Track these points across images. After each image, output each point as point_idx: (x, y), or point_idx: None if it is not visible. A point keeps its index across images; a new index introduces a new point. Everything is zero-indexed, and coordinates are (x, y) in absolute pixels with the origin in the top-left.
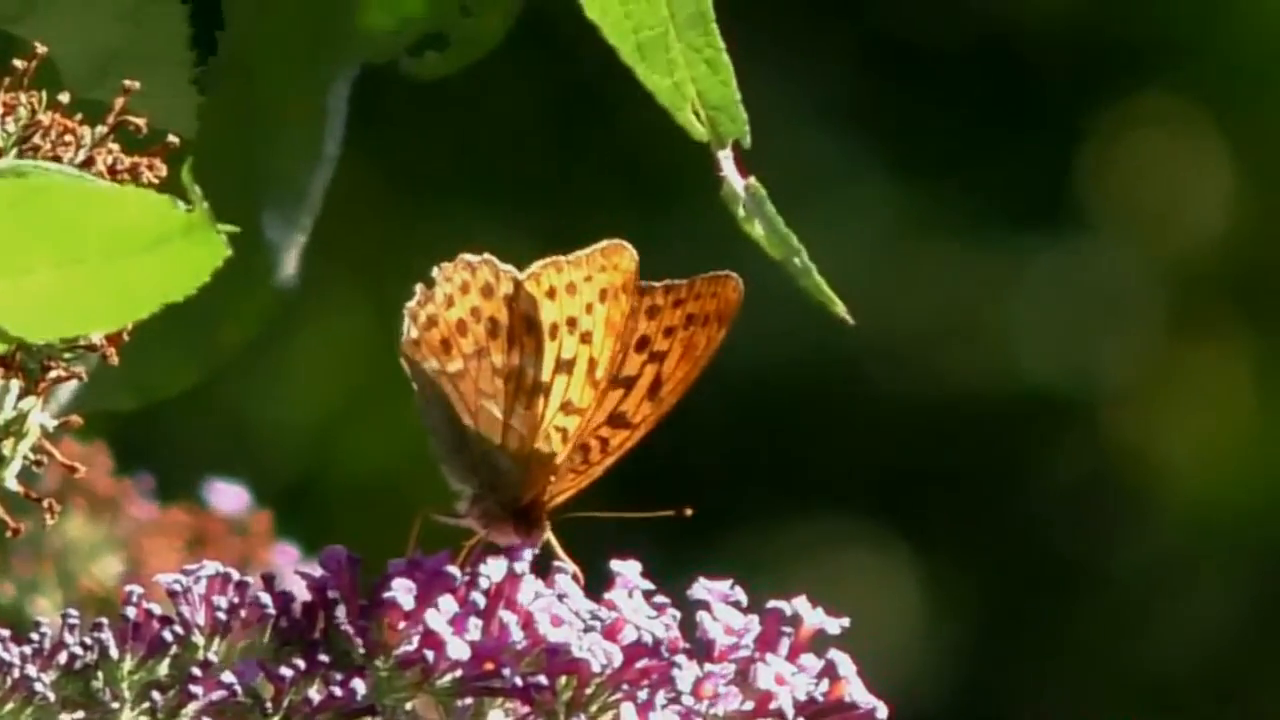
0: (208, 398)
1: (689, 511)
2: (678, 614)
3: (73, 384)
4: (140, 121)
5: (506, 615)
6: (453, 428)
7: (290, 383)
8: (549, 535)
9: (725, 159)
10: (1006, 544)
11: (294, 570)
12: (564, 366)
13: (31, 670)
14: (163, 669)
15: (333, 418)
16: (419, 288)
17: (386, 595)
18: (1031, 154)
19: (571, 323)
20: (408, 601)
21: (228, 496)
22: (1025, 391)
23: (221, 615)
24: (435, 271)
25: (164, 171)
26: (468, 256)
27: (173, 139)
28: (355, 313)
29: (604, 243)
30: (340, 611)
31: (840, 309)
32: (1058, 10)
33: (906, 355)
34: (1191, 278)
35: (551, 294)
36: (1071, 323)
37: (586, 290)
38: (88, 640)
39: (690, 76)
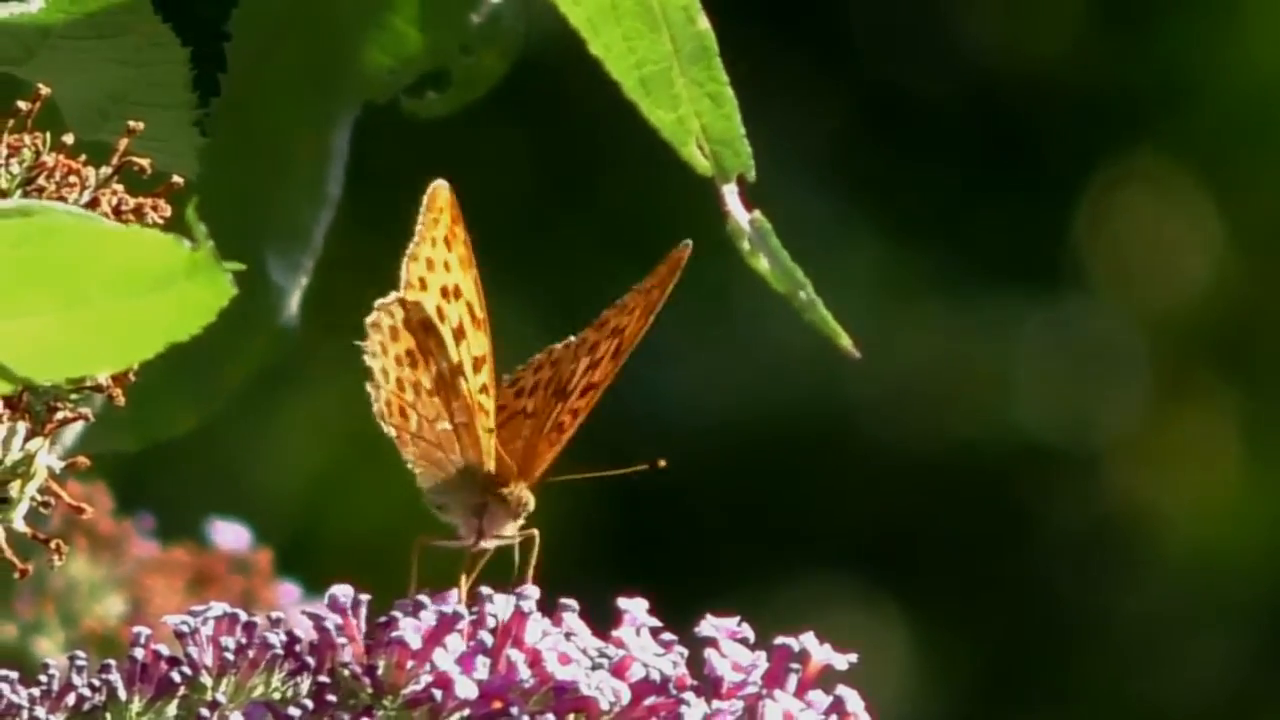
0: (203, 454)
1: (662, 463)
2: (685, 651)
3: (78, 425)
4: (145, 162)
5: (514, 653)
6: (431, 470)
7: (284, 441)
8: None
9: (730, 194)
10: (1001, 599)
11: (300, 610)
12: (459, 335)
13: (40, 712)
14: (171, 710)
15: (327, 475)
16: (369, 388)
17: (394, 635)
18: (1023, 211)
19: (446, 292)
20: (415, 641)
21: (229, 534)
22: (1019, 447)
23: (229, 656)
24: (364, 355)
25: (169, 212)
26: (370, 319)
27: (177, 179)
28: (349, 370)
29: (424, 198)
30: (347, 651)
31: (846, 342)
32: (1049, 70)
33: (900, 411)
34: (1181, 334)
35: (423, 284)
36: (1065, 378)
37: (439, 252)
38: (95, 682)
39: (694, 111)
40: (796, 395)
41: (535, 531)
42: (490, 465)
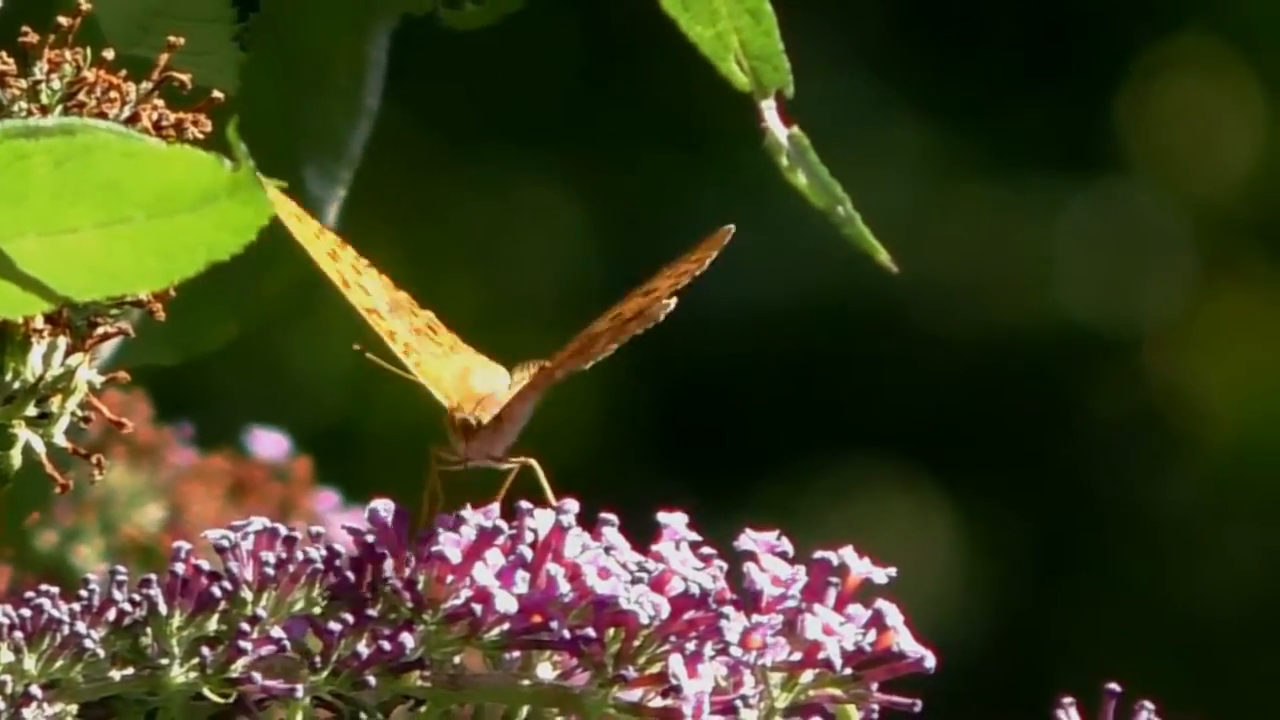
0: (246, 350)
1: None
2: (724, 565)
3: (117, 339)
4: (185, 78)
5: (553, 568)
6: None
7: (327, 333)
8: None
9: (768, 109)
10: (1045, 485)
11: (341, 523)
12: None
13: (81, 627)
14: (211, 625)
15: (370, 367)
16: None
17: (434, 549)
18: (1066, 97)
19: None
20: (455, 555)
21: (267, 443)
22: (1063, 332)
23: (269, 570)
24: None
25: (209, 127)
26: None
27: (217, 95)
28: (391, 261)
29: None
30: (387, 566)
31: (884, 257)
32: None
33: (943, 297)
34: (1226, 218)
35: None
36: (1109, 263)
37: (319, 243)
38: (136, 596)
39: (733, 27)
40: (838, 283)
41: (531, 460)
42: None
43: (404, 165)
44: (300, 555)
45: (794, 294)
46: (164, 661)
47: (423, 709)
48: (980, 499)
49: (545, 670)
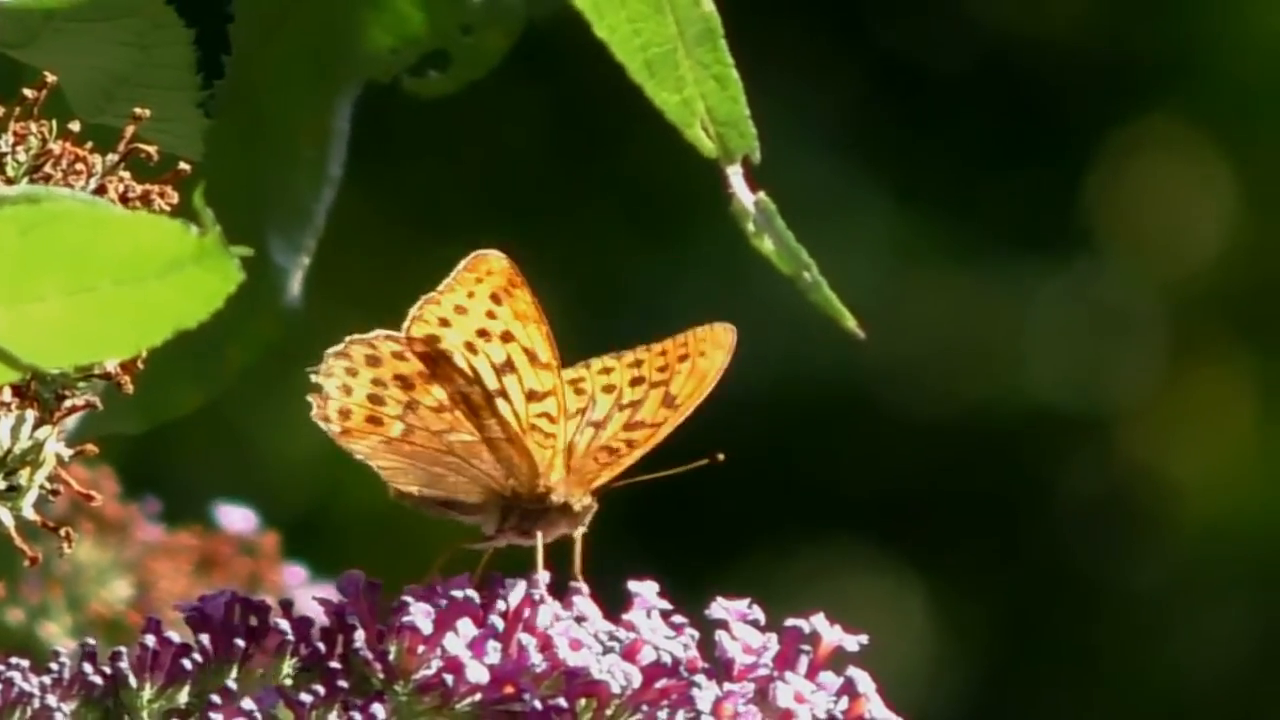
0: (214, 431)
1: (720, 457)
2: (696, 634)
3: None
4: (151, 149)
5: (525, 638)
6: (434, 472)
7: (297, 416)
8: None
9: (735, 175)
10: (1016, 565)
11: (311, 595)
12: (504, 368)
13: (52, 700)
14: (182, 697)
15: (334, 456)
16: (310, 398)
17: (405, 620)
18: (1036, 179)
19: (483, 334)
20: (426, 626)
21: (235, 518)
22: (1034, 413)
23: (240, 642)
24: (315, 377)
25: (175, 199)
26: (333, 349)
27: (184, 166)
28: None
29: (463, 261)
30: (359, 637)
31: (851, 323)
32: (1061, 34)
33: (915, 378)
34: (1196, 299)
35: (444, 323)
36: (1079, 344)
37: (475, 305)
38: (106, 669)
39: (699, 93)
40: (812, 362)
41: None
42: (548, 480)
43: (372, 249)
44: (271, 626)
45: (765, 375)
46: None
47: None
48: (951, 579)
49: None
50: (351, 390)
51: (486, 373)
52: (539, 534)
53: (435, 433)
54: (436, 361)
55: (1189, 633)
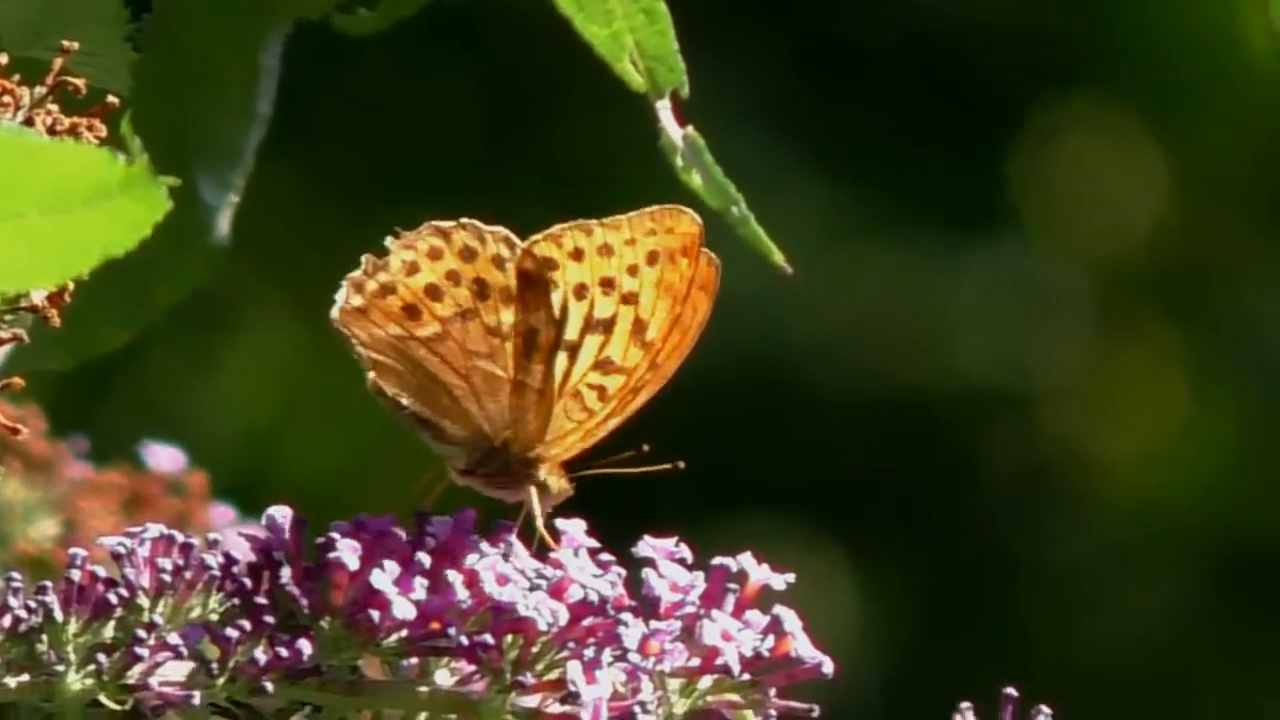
0: (140, 407)
1: (681, 464)
2: (623, 572)
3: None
4: (79, 82)
5: (452, 575)
6: (431, 389)
7: (224, 393)
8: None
9: (663, 109)
10: (943, 541)
11: (239, 531)
12: (598, 326)
13: None
14: (108, 631)
15: (267, 426)
16: (366, 258)
17: (332, 556)
18: (964, 155)
19: (607, 283)
20: (353, 562)
21: (163, 457)
22: (961, 389)
23: (166, 577)
24: (390, 241)
25: (104, 132)
26: (436, 223)
27: (111, 99)
28: (287, 322)
29: (655, 207)
30: (285, 572)
31: (779, 258)
32: (990, 14)
33: (841, 355)
34: (1124, 277)
35: (577, 255)
36: (1007, 322)
37: (628, 252)
38: (32, 603)
39: (628, 27)
40: (738, 338)
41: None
42: (546, 450)
43: (303, 226)
44: (197, 562)
45: (692, 353)
46: (60, 668)
47: (321, 715)
48: (877, 555)
49: (443, 677)
50: (417, 271)
51: (574, 322)
52: (503, 492)
53: (468, 352)
54: (533, 286)
55: (1113, 608)
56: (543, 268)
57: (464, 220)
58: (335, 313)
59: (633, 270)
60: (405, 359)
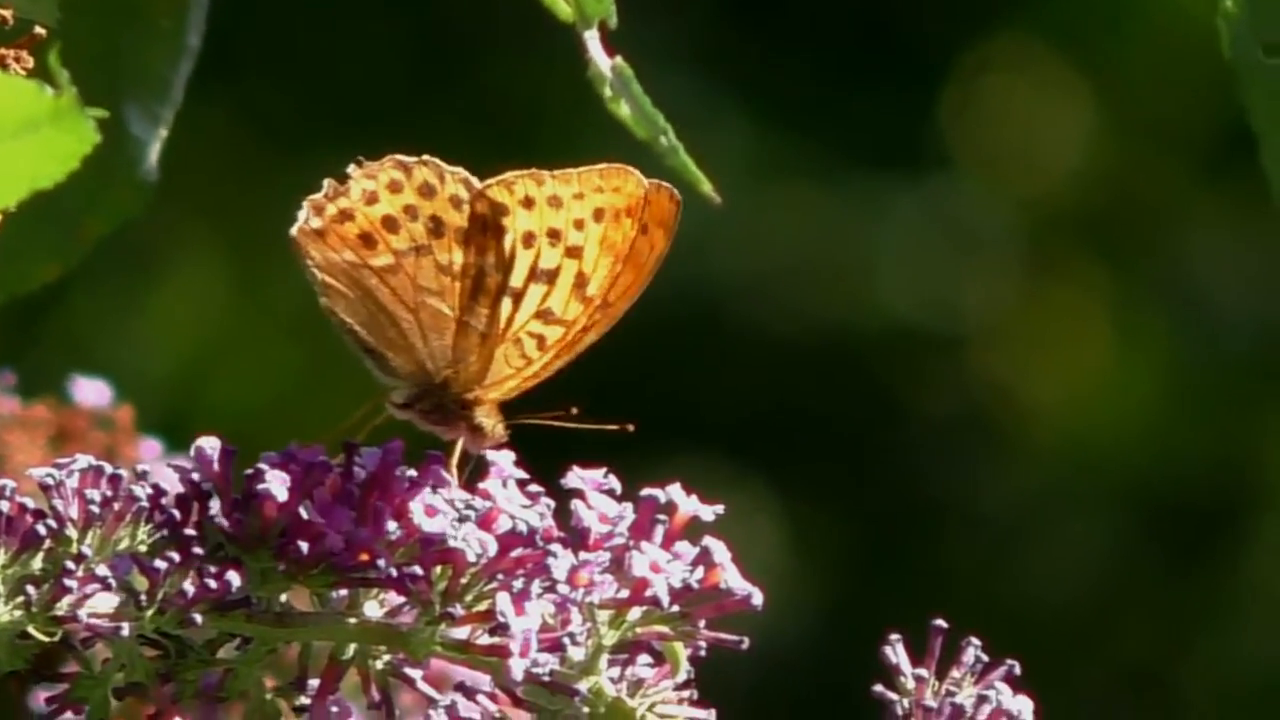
0: (68, 347)
1: (630, 427)
2: (552, 503)
3: None
4: (7, 14)
5: (380, 506)
6: (379, 319)
7: (151, 332)
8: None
9: (591, 40)
10: (870, 484)
11: (168, 464)
12: (542, 276)
13: None
14: (36, 563)
15: (193, 365)
16: (328, 182)
17: (260, 487)
18: (891, 95)
19: (554, 234)
20: (281, 493)
21: (90, 391)
22: (889, 331)
23: (95, 509)
24: (351, 168)
25: (31, 64)
26: (399, 156)
27: (39, 31)
28: (213, 260)
29: (604, 165)
30: (214, 504)
31: (707, 187)
32: None
33: (769, 295)
34: (1052, 218)
35: (528, 203)
36: (934, 262)
37: (576, 206)
38: None
39: None
40: (666, 277)
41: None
42: (484, 393)
43: (229, 165)
44: (125, 493)
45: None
46: None
47: (249, 647)
48: (804, 497)
49: (372, 608)
50: (376, 202)
51: (520, 269)
52: (439, 429)
53: (419, 287)
54: (485, 230)
55: (1041, 552)
56: (497, 213)
57: (426, 157)
58: (294, 231)
59: (579, 224)
60: (357, 286)
